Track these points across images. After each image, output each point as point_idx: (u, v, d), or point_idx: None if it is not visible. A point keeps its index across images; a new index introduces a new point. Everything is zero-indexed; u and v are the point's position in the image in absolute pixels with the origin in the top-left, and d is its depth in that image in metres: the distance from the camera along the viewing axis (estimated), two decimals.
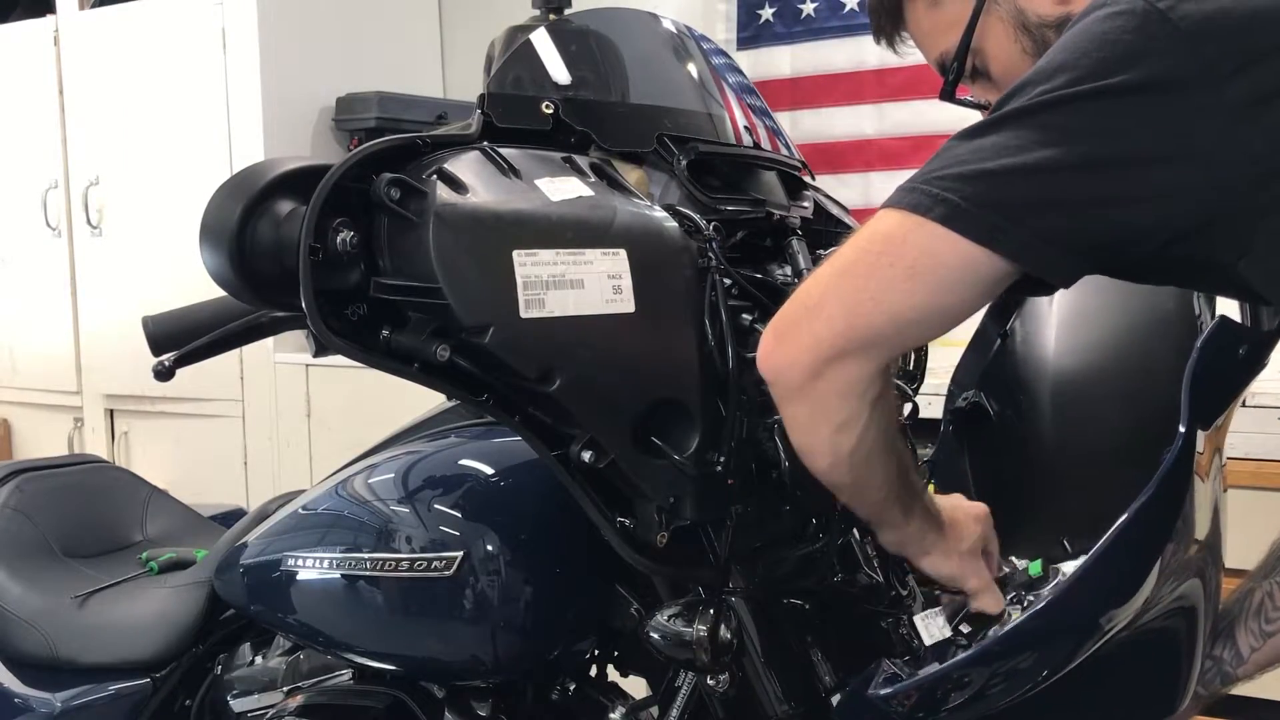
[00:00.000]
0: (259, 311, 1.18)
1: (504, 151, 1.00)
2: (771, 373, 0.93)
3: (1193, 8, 0.87)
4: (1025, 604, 1.10)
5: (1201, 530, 0.98)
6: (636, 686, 1.28)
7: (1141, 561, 0.90)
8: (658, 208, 1.06)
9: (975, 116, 1.07)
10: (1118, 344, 1.26)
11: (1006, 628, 0.92)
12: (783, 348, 0.92)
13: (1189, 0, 0.88)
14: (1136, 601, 0.92)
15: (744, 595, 1.08)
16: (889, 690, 0.93)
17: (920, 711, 0.93)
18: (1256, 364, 1.02)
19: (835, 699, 1.09)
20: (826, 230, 1.31)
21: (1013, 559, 1.15)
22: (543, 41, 1.12)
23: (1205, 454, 0.97)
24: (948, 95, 1.18)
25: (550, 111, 1.08)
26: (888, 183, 3.20)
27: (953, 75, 1.16)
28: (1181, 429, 0.90)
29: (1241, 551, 1.24)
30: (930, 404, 1.34)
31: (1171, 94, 0.86)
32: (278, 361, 3.27)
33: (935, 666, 0.97)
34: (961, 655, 0.94)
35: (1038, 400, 1.29)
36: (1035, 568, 1.14)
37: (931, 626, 1.10)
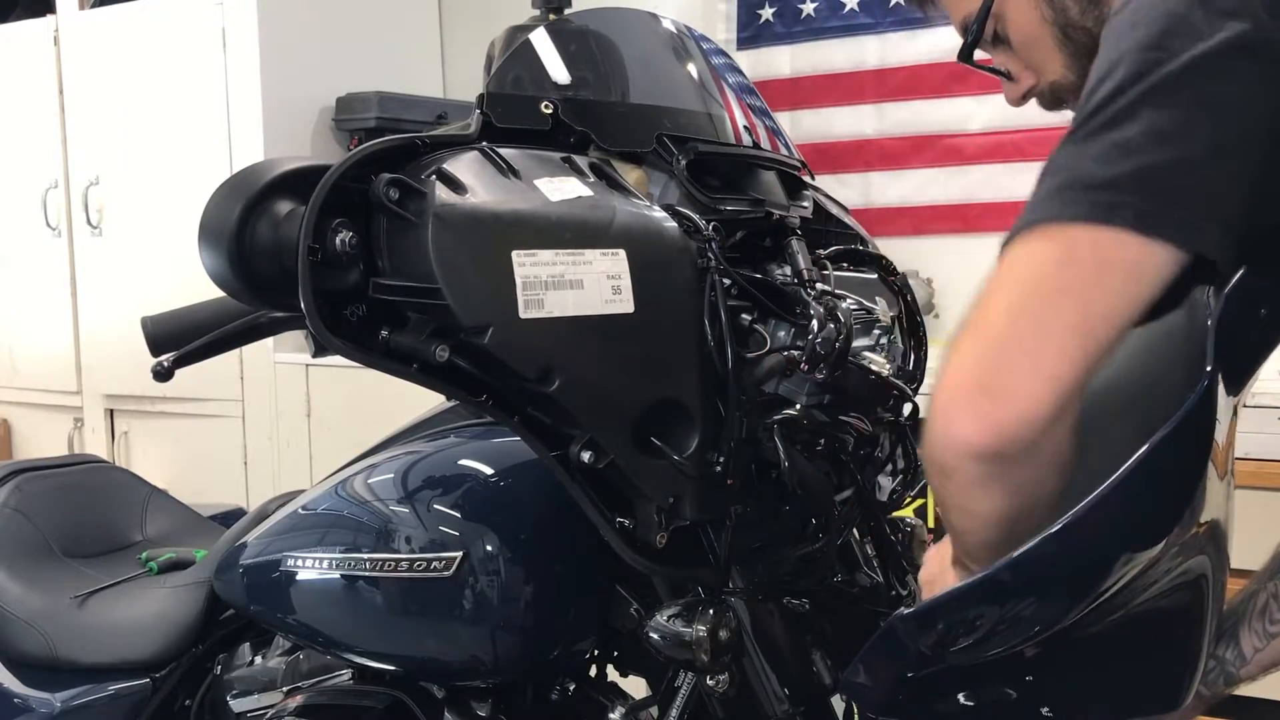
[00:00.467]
0: (258, 312, 1.18)
1: (503, 151, 1.00)
2: (998, 440, 0.78)
3: None
4: None
5: (1213, 514, 0.98)
6: (636, 686, 1.28)
7: (1163, 498, 0.85)
8: (657, 208, 1.06)
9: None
10: (1124, 353, 1.25)
11: (1021, 550, 0.83)
12: (1008, 405, 0.78)
13: None
14: (1154, 548, 0.89)
15: (744, 595, 1.08)
16: (916, 609, 0.86)
17: (940, 646, 0.90)
18: (1276, 331, 1.00)
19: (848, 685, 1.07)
20: (826, 230, 1.31)
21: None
22: (542, 41, 1.12)
23: (1221, 449, 0.95)
24: (965, 57, 1.17)
25: (550, 111, 1.08)
26: (888, 183, 3.26)
27: (971, 38, 1.15)
28: (1207, 368, 0.84)
29: (1241, 551, 1.24)
30: (930, 404, 1.33)
31: None
32: (278, 361, 3.27)
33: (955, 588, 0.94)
34: (983, 572, 0.85)
35: None
36: None
37: None
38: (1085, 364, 0.79)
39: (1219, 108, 0.83)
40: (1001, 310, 0.81)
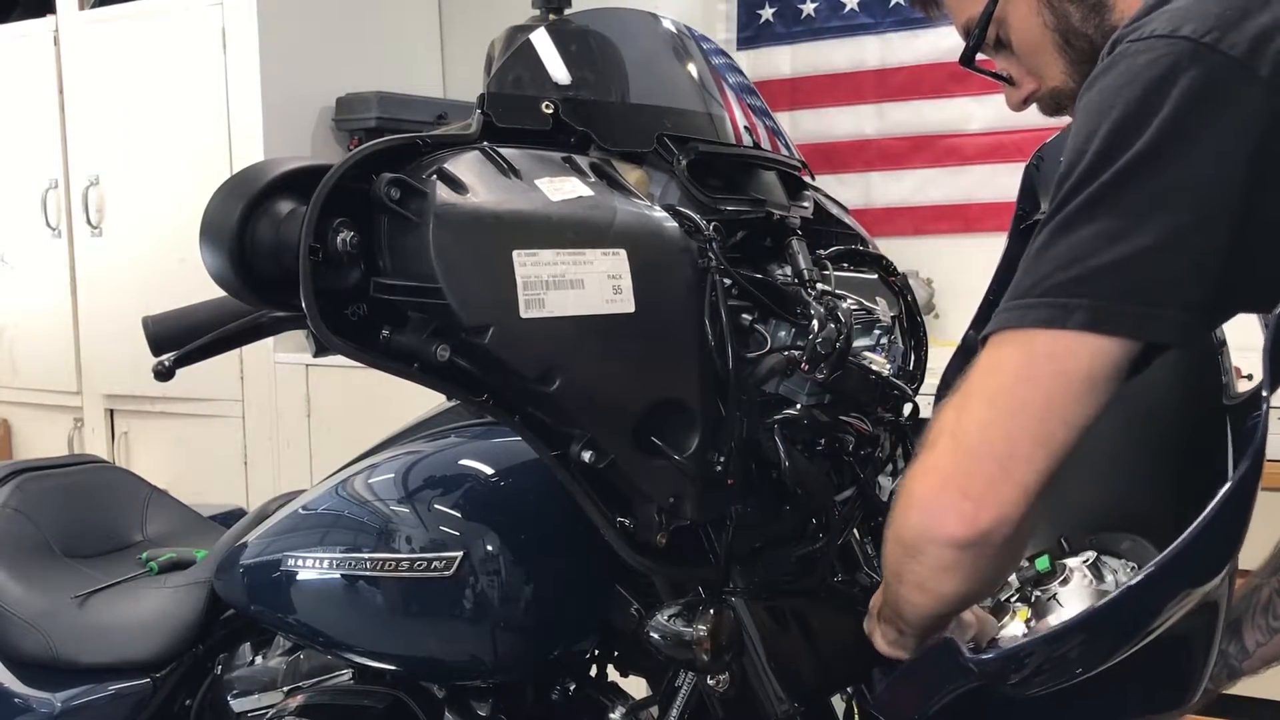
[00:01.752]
0: (259, 311, 1.18)
1: (504, 151, 1.00)
2: (979, 536, 0.88)
3: (1238, 35, 0.88)
4: (1033, 599, 1.10)
5: None
6: (636, 686, 1.28)
7: (1232, 535, 0.90)
8: (658, 208, 1.06)
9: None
10: None
11: (1103, 602, 0.91)
12: (987, 509, 0.88)
13: (1232, 30, 0.88)
14: (1217, 579, 0.93)
15: (744, 595, 1.08)
16: (983, 656, 0.93)
17: (999, 679, 0.93)
18: None
19: (878, 679, 1.09)
20: (826, 230, 1.31)
21: None
22: (543, 41, 1.12)
23: None
24: (966, 61, 1.18)
25: (550, 111, 1.08)
26: (888, 183, 3.26)
27: (973, 42, 1.16)
28: (1265, 393, 0.91)
29: (1244, 550, 1.24)
30: (930, 404, 1.34)
31: (1245, 123, 0.87)
32: (278, 361, 3.27)
33: (1021, 639, 0.99)
34: (1070, 620, 0.93)
35: None
36: (1043, 563, 1.13)
37: None
38: (1050, 467, 0.88)
39: (1169, 198, 0.87)
40: (975, 422, 0.90)
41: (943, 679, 0.95)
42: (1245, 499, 0.89)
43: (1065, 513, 1.18)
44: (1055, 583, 1.11)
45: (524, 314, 0.92)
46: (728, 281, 1.05)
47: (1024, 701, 0.95)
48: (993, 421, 0.89)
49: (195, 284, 1.06)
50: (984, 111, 3.09)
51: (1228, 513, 0.87)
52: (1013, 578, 1.13)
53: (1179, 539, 0.87)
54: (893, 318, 1.22)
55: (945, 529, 0.89)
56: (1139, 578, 0.89)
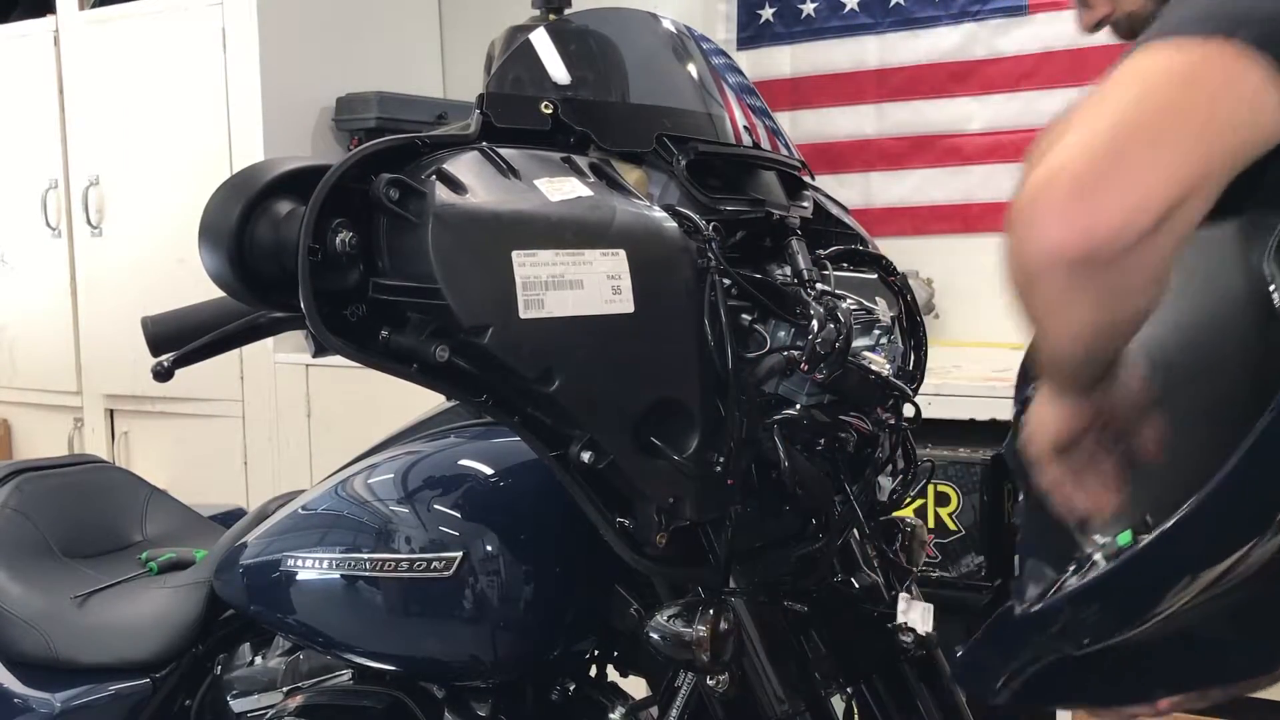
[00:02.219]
0: (258, 312, 1.18)
1: (503, 152, 1.00)
2: (1098, 244, 0.70)
3: None
4: None
5: None
6: (636, 686, 1.28)
7: (1259, 494, 0.84)
8: (657, 208, 1.06)
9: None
10: (1189, 323, 1.24)
11: (1142, 545, 0.84)
12: (1110, 194, 0.70)
13: None
14: (1251, 542, 0.90)
15: (744, 595, 1.08)
16: (1041, 606, 0.87)
17: (1060, 639, 0.89)
18: None
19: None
20: (826, 230, 1.31)
21: (1096, 537, 1.13)
22: (542, 41, 1.12)
23: None
24: None
25: (549, 111, 1.08)
26: (888, 183, 3.27)
27: None
28: None
29: None
30: (930, 404, 1.33)
31: None
32: (278, 361, 3.27)
33: (1076, 581, 0.95)
34: (1102, 571, 0.88)
35: None
36: (1125, 537, 1.12)
37: (913, 612, 1.11)
38: (1203, 178, 0.72)
39: None
40: (1114, 115, 0.73)
41: (1009, 639, 0.91)
42: (1269, 458, 0.80)
43: (1147, 491, 1.17)
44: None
45: (523, 314, 0.92)
46: (727, 281, 1.05)
47: (1111, 678, 0.93)
48: (1139, 117, 0.72)
49: (195, 284, 1.06)
50: (984, 111, 3.09)
51: (1247, 471, 0.80)
52: (1098, 557, 1.11)
53: (1186, 504, 0.80)
54: (892, 318, 1.22)
55: (1053, 234, 0.71)
56: (1145, 541, 0.82)
